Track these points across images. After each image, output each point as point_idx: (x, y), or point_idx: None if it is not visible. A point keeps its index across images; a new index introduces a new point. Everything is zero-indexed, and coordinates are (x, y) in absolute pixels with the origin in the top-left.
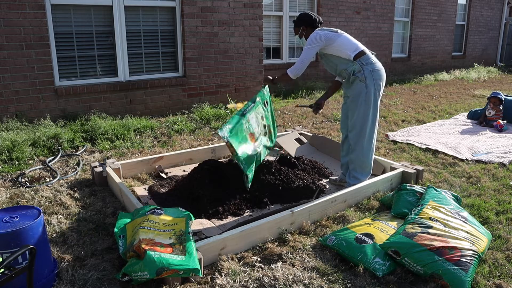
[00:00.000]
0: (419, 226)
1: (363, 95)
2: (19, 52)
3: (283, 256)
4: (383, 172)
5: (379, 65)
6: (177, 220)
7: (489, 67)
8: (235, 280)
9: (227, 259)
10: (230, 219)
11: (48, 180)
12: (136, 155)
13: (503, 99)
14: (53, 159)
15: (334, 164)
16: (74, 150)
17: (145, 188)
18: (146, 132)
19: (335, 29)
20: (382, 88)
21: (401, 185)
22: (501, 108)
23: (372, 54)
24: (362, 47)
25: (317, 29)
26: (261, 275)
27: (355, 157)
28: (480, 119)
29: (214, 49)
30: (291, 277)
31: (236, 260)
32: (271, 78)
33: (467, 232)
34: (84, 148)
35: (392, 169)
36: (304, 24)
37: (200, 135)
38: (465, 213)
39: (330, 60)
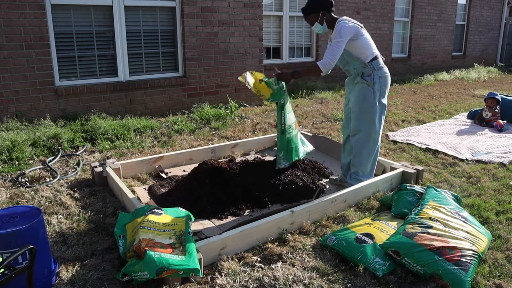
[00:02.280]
0: (419, 226)
1: (371, 101)
2: (19, 52)
3: (283, 256)
4: (383, 172)
5: (386, 70)
6: (177, 220)
7: (489, 67)
8: (235, 280)
9: (227, 259)
10: (230, 219)
11: (48, 180)
12: (136, 155)
13: (500, 99)
14: (53, 159)
15: (334, 164)
16: (74, 150)
17: (145, 188)
18: (146, 132)
19: (355, 20)
20: (387, 94)
21: (401, 185)
22: (497, 110)
23: (383, 58)
24: (377, 51)
25: (342, 19)
26: (261, 275)
27: (358, 161)
28: (475, 120)
29: (214, 49)
30: (291, 277)
31: (236, 260)
32: (290, 73)
33: (467, 232)
34: (84, 148)
35: (392, 169)
36: (325, 9)
37: (200, 135)
38: (465, 213)
39: (343, 55)
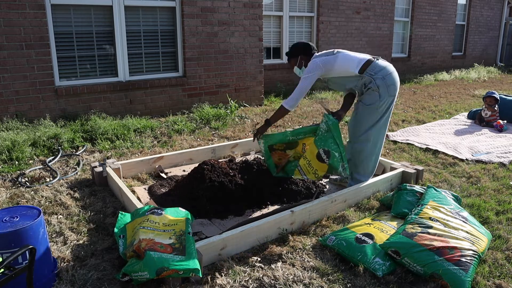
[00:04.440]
0: (419, 226)
1: (377, 104)
2: (19, 52)
3: (283, 256)
4: (383, 172)
5: (390, 68)
6: (177, 220)
7: (489, 67)
8: (235, 280)
9: (227, 259)
10: (230, 219)
11: (48, 180)
12: (136, 155)
13: (498, 98)
14: (53, 159)
15: None
16: (74, 150)
17: (145, 188)
18: (146, 132)
19: (331, 50)
20: (397, 91)
21: (401, 185)
22: (496, 108)
23: (377, 59)
24: (366, 57)
25: (313, 57)
26: (261, 275)
27: (360, 161)
28: (475, 121)
29: (214, 49)
30: (291, 277)
31: (236, 260)
32: (264, 123)
33: (467, 232)
34: (84, 148)
35: (392, 169)
36: (303, 53)
37: (200, 135)
38: (465, 213)
39: (336, 82)
